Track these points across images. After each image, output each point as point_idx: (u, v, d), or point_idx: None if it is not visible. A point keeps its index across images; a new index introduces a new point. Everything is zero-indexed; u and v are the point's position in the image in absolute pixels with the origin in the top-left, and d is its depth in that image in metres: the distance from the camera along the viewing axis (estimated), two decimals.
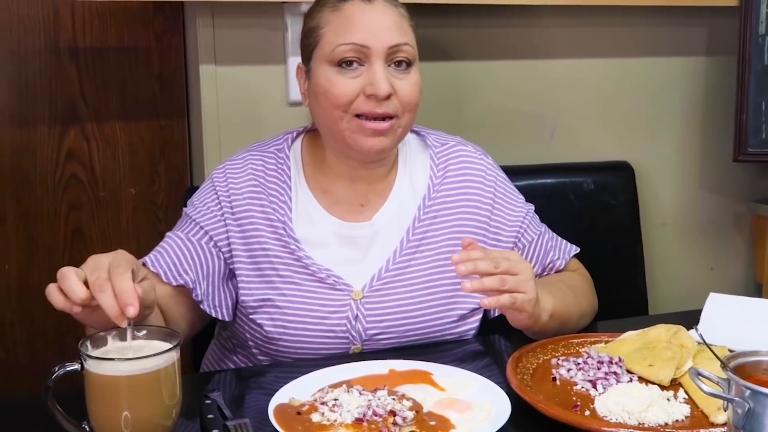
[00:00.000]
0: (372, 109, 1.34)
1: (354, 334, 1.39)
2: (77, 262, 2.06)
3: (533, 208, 1.56)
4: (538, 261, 1.52)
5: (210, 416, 1.08)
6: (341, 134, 1.37)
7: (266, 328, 1.39)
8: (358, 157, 1.40)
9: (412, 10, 1.44)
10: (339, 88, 1.35)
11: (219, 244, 1.41)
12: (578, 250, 1.57)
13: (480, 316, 1.49)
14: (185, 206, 1.49)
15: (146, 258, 1.38)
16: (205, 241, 1.41)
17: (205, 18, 1.92)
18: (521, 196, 1.56)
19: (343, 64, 1.35)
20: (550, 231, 1.57)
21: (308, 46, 1.41)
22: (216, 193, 1.43)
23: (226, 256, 1.41)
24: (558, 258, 1.54)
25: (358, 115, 1.35)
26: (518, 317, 1.30)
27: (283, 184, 1.43)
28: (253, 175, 1.43)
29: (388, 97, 1.34)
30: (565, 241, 1.57)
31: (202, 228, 1.42)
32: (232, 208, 1.41)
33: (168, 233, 1.45)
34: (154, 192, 2.15)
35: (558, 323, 1.38)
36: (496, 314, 1.50)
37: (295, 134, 1.49)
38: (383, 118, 1.35)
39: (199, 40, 1.93)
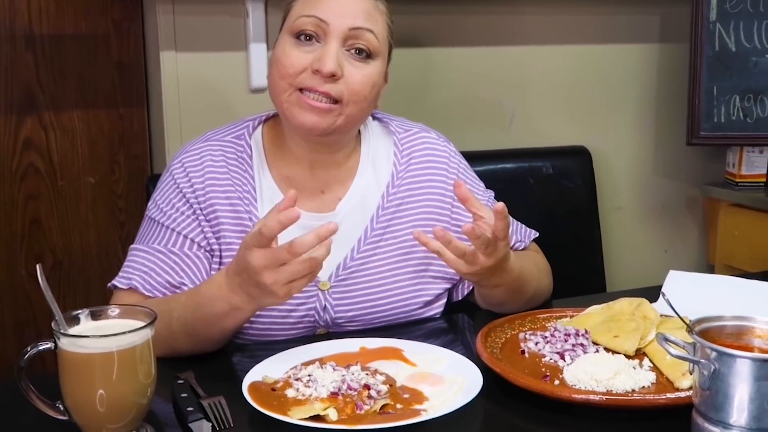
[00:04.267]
0: (314, 85, 1.31)
1: (321, 323, 1.40)
2: (36, 253, 2.08)
3: (493, 194, 1.58)
4: None
5: (183, 395, 1.08)
6: (283, 107, 1.35)
7: None
8: (299, 133, 1.37)
9: None
10: (289, 59, 1.33)
11: (201, 244, 1.37)
12: (537, 234, 1.60)
13: (444, 300, 1.50)
14: (147, 204, 1.45)
15: (135, 284, 1.34)
16: (187, 246, 1.37)
17: (165, 4, 1.90)
18: (482, 183, 1.58)
19: (302, 36, 1.33)
20: (510, 216, 1.59)
21: (282, 24, 1.40)
22: (181, 191, 1.39)
23: (209, 253, 1.38)
24: (520, 241, 1.56)
25: (301, 90, 1.32)
26: (493, 251, 1.24)
27: (245, 174, 1.40)
28: (212, 167, 1.40)
29: (333, 78, 1.31)
30: (524, 225, 1.59)
31: (180, 234, 1.37)
32: (199, 203, 1.38)
33: (143, 247, 1.38)
34: (114, 181, 2.14)
35: (517, 285, 1.38)
36: (460, 297, 1.52)
37: (256, 122, 1.46)
38: (327, 99, 1.32)
39: (159, 26, 1.91)
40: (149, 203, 1.44)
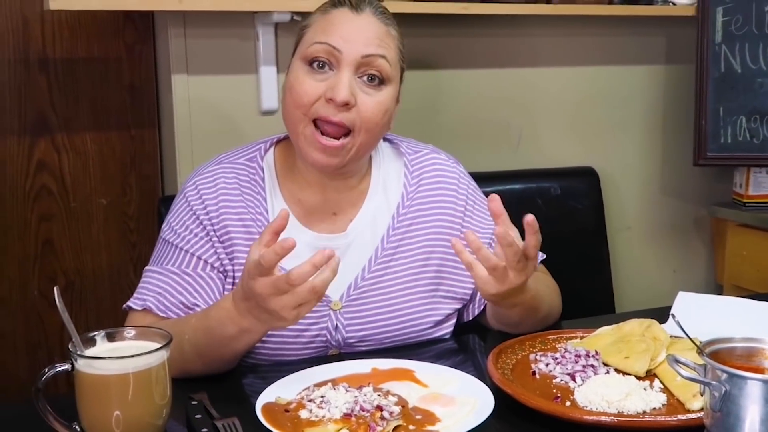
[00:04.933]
0: (328, 115, 1.32)
1: (333, 343, 1.40)
2: (48, 274, 2.09)
3: None
4: None
5: (198, 416, 1.09)
6: (297, 138, 1.36)
7: None
8: (312, 167, 1.39)
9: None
10: (303, 87, 1.34)
11: (215, 265, 1.38)
12: (544, 256, 1.60)
13: (454, 321, 1.51)
14: (160, 226, 1.46)
15: (149, 305, 1.34)
16: (201, 267, 1.38)
17: (177, 28, 1.93)
18: None
19: (314, 64, 1.34)
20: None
21: (294, 47, 1.41)
22: (194, 213, 1.40)
23: (222, 274, 1.39)
24: None
25: (315, 121, 1.33)
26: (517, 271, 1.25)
27: (258, 196, 1.41)
28: (226, 189, 1.41)
29: (347, 106, 1.32)
30: None
31: (193, 255, 1.38)
32: (212, 225, 1.39)
33: (157, 268, 1.39)
34: (126, 203, 2.15)
35: (533, 304, 1.38)
36: (471, 318, 1.53)
37: (268, 144, 1.47)
38: (338, 131, 1.33)
39: (170, 50, 1.93)
40: (163, 225, 1.45)
